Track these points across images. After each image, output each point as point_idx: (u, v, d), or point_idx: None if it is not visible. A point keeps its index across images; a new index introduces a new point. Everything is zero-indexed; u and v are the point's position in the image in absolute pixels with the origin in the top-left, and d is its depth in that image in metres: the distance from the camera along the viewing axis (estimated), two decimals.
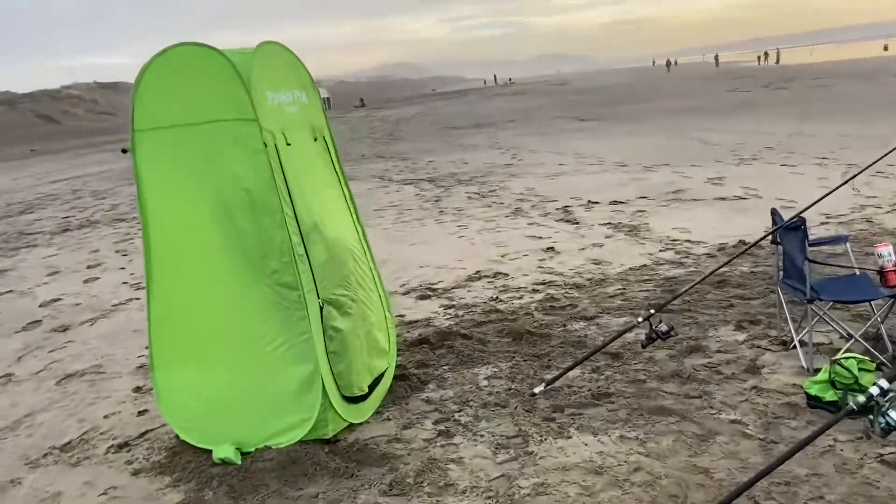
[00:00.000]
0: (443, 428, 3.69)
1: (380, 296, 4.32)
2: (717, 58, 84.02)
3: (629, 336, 4.43)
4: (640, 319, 4.12)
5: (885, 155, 4.77)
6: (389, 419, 3.86)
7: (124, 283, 7.59)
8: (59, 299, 7.25)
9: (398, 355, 4.53)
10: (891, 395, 2.61)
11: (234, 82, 3.33)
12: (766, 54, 70.76)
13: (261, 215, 3.43)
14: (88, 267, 8.73)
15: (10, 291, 7.82)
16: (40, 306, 7.05)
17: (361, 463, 3.41)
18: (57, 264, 9.08)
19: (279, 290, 3.48)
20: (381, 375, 4.10)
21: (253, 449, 3.51)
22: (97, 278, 8.08)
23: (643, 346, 4.20)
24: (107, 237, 10.60)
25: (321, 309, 3.54)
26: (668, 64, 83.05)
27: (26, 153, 38.68)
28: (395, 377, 4.26)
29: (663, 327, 4.05)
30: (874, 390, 2.62)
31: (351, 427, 3.73)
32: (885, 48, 65.60)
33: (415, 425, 3.75)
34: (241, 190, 3.43)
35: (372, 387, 3.93)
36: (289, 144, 3.57)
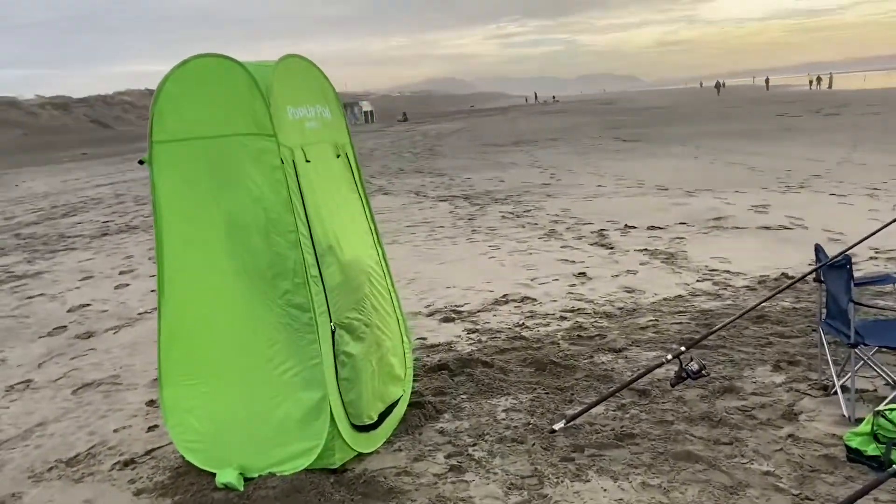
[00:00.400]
0: (455, 462, 3.51)
1: (398, 320, 4.19)
2: (767, 81, 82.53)
3: (659, 372, 4.20)
4: (669, 357, 3.90)
5: None
6: (401, 450, 3.70)
7: (153, 290, 7.57)
8: (88, 305, 7.30)
9: (416, 381, 4.39)
10: None
11: (254, 96, 3.24)
12: (818, 79, 69.30)
13: (274, 234, 3.33)
14: (121, 273, 8.82)
15: (42, 295, 7.91)
16: (68, 311, 7.11)
17: (367, 496, 3.26)
18: (91, 269, 9.19)
19: (290, 311, 3.36)
20: (395, 403, 3.95)
21: (256, 475, 3.38)
22: (128, 285, 8.13)
23: (672, 386, 3.97)
24: (142, 243, 10.71)
25: (333, 333, 3.42)
26: (718, 86, 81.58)
27: (77, 156, 39.87)
28: (411, 405, 4.11)
29: (694, 366, 3.82)
30: None
31: (360, 457, 3.58)
32: None
33: (426, 458, 3.59)
34: (256, 207, 3.34)
35: (384, 415, 3.79)
36: (308, 161, 3.47)
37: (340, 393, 3.44)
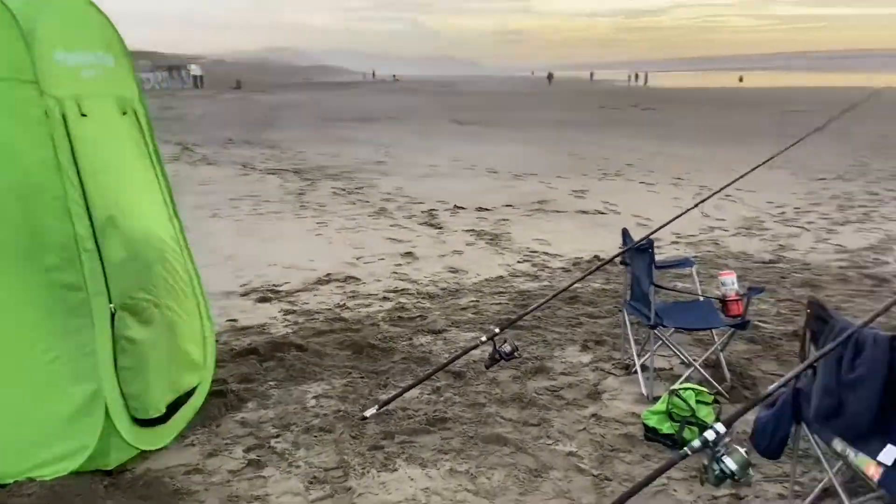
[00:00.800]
0: (254, 456, 3.23)
1: (197, 301, 3.78)
2: (592, 75, 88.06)
3: (476, 353, 4.15)
4: (483, 339, 3.86)
5: (734, 181, 4.80)
6: (194, 444, 3.35)
7: None
8: None
9: (219, 367, 4.01)
10: (726, 440, 2.46)
11: (10, 33, 2.71)
12: (636, 76, 75.01)
13: (36, 201, 2.82)
14: None
15: None
16: None
17: (147, 499, 2.89)
18: None
19: (59, 292, 2.88)
20: (191, 392, 3.57)
21: (11, 481, 2.88)
22: None
23: (486, 367, 3.94)
24: None
25: (112, 316, 2.98)
26: (550, 77, 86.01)
27: None
28: (211, 394, 3.74)
29: (507, 348, 3.80)
30: (709, 435, 2.45)
31: (144, 455, 3.18)
32: (741, 79, 71.30)
33: (222, 453, 3.27)
34: (11, 167, 2.81)
35: (176, 406, 3.39)
36: (84, 115, 2.98)
37: (120, 384, 3.01)
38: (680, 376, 3.95)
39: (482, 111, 30.97)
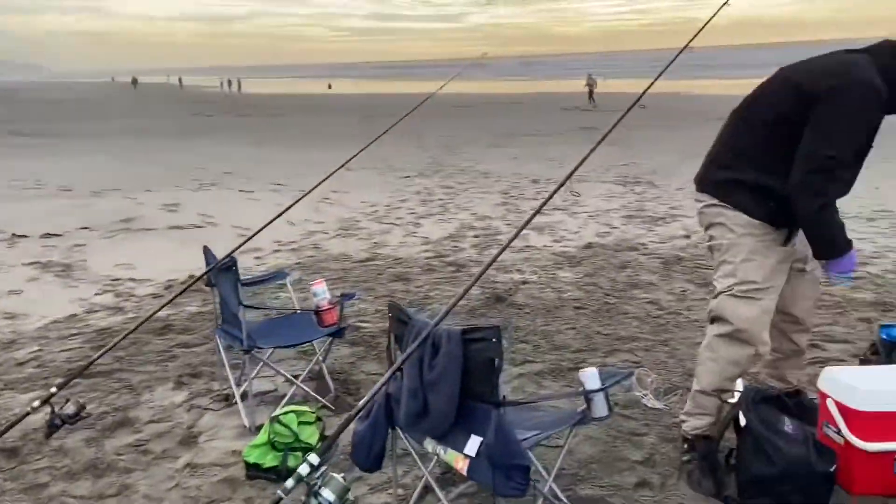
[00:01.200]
0: None
1: None
2: (180, 80, 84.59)
3: (35, 419, 3.31)
4: (36, 404, 3.07)
5: (320, 183, 4.70)
6: None
7: None
8: None
9: None
10: (322, 469, 2.26)
11: None
12: (229, 82, 74.10)
13: None
14: None
15: None
16: None
17: None
18: None
19: None
20: None
21: None
22: None
23: (47, 437, 3.17)
24: None
25: None
26: (135, 82, 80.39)
27: None
28: None
29: (70, 409, 3.11)
30: (304, 469, 2.23)
31: None
32: (329, 86, 75.70)
33: None
34: None
35: None
36: None
37: None
38: (285, 395, 3.70)
39: (52, 121, 27.04)
